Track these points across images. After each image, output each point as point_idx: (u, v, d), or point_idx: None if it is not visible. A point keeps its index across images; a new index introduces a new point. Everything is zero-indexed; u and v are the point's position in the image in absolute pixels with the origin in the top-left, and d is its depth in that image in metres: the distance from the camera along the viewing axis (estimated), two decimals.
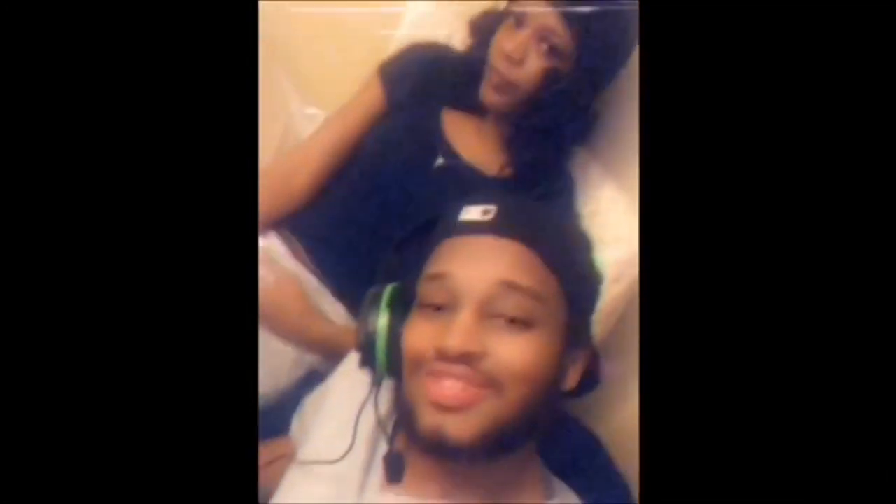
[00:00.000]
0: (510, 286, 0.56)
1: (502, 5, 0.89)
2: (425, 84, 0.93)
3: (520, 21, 0.84)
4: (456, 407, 0.54)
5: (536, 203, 0.81)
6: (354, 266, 0.86)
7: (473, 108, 0.91)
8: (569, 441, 0.73)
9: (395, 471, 0.61)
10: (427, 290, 0.58)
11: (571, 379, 0.61)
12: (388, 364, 0.60)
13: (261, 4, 0.51)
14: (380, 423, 0.63)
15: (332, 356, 0.83)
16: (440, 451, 0.55)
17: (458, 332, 0.54)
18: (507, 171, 0.91)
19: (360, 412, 0.62)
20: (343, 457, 0.61)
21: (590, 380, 0.63)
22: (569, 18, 0.81)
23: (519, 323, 0.56)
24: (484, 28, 0.90)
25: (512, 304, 0.56)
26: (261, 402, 0.84)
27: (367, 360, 0.62)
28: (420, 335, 0.57)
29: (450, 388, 0.54)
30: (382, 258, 0.67)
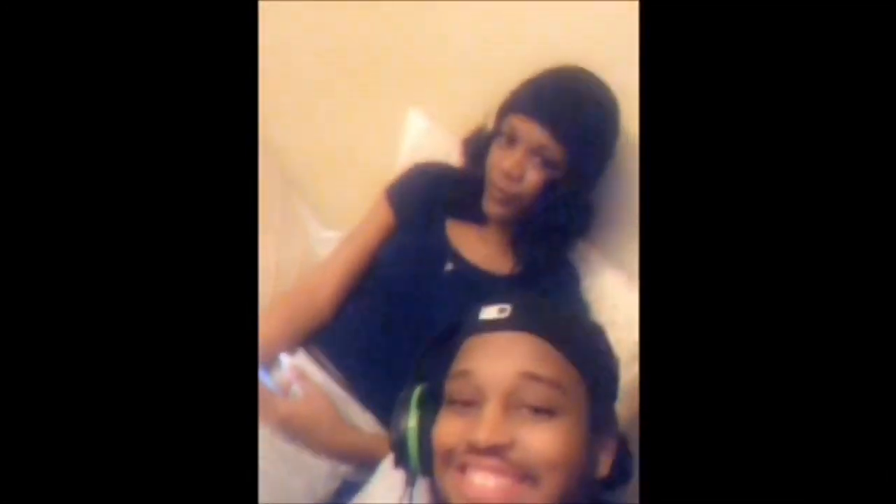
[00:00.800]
0: (531, 377, 0.58)
1: (491, 123, 0.97)
2: (429, 199, 1.01)
3: (511, 139, 0.91)
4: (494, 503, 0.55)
5: (546, 298, 0.85)
6: (379, 374, 0.90)
7: (475, 217, 0.98)
8: None
9: None
10: (454, 388, 0.61)
11: (604, 466, 0.62)
12: (421, 461, 0.63)
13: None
14: None
15: (364, 465, 0.85)
16: None
17: (487, 425, 0.56)
18: (514, 270, 0.96)
19: None
20: None
21: (622, 469, 0.64)
22: (555, 131, 0.88)
23: (543, 412, 0.58)
24: (477, 146, 0.98)
25: (534, 395, 0.58)
26: None
27: (401, 460, 0.65)
28: (450, 430, 0.60)
29: (483, 484, 0.56)
30: (413, 363, 0.70)
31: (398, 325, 0.93)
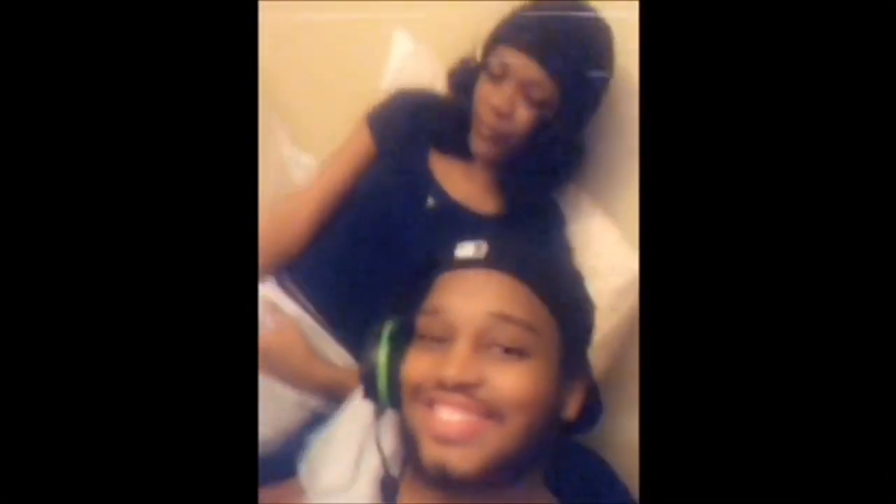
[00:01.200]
0: (503, 317, 0.58)
1: (478, 53, 0.92)
2: (412, 129, 0.96)
3: (501, 73, 0.86)
4: (457, 440, 0.56)
5: (527, 239, 0.84)
6: (353, 308, 0.88)
7: (460, 151, 0.93)
8: (577, 469, 0.74)
9: (388, 495, 0.62)
10: (425, 324, 0.60)
11: (571, 409, 0.62)
12: (390, 395, 0.62)
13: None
14: (380, 451, 0.64)
15: (335, 398, 0.84)
16: (444, 484, 0.56)
17: (455, 362, 0.56)
18: (499, 211, 0.93)
19: (362, 443, 0.65)
20: (349, 485, 0.63)
21: (591, 414, 0.64)
22: (548, 67, 0.84)
23: (514, 353, 0.57)
24: (463, 78, 0.93)
25: (506, 335, 0.57)
26: (264, 446, 0.85)
27: (370, 393, 0.64)
28: (419, 366, 0.59)
29: (448, 421, 0.56)
30: (385, 297, 0.68)
31: (374, 259, 0.90)
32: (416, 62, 1.06)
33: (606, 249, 0.92)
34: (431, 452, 0.56)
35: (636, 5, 0.50)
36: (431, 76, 1.03)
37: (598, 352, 0.71)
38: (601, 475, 0.78)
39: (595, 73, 0.87)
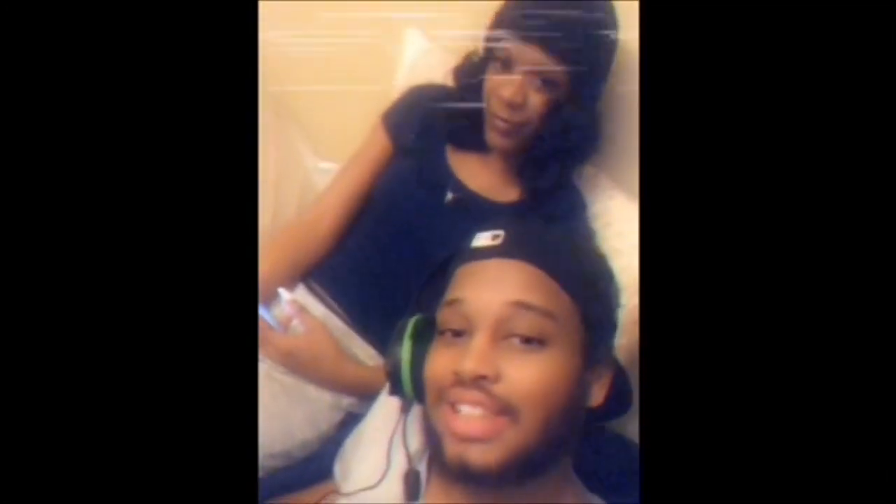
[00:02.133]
0: (521, 306, 0.57)
1: (480, 48, 0.91)
2: (427, 125, 0.95)
3: (506, 63, 0.85)
4: (477, 437, 0.55)
5: (546, 224, 0.82)
6: (379, 306, 0.88)
7: (476, 143, 0.92)
8: (608, 455, 0.72)
9: (413, 489, 0.62)
10: (445, 317, 0.60)
11: (596, 396, 0.60)
12: (414, 390, 0.62)
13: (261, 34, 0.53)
14: (406, 447, 0.64)
15: (367, 397, 0.84)
16: (466, 479, 0.56)
17: (473, 355, 0.55)
18: (519, 198, 0.92)
19: (391, 438, 0.64)
20: (378, 483, 0.63)
21: (620, 399, 0.63)
22: (550, 47, 0.82)
23: (534, 342, 0.56)
24: (470, 74, 0.92)
25: (524, 324, 0.56)
26: (303, 448, 0.87)
27: (395, 389, 0.64)
28: (440, 361, 0.59)
29: (468, 418, 0.55)
30: (408, 294, 0.68)
31: (398, 256, 0.90)
32: (428, 59, 1.06)
33: (628, 228, 0.90)
34: (453, 449, 0.56)
35: (636, 6, 0.50)
36: (445, 73, 1.01)
37: (625, 331, 0.68)
38: (629, 458, 0.76)
39: (600, 35, 0.85)
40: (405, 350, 0.62)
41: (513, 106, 0.85)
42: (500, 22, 0.87)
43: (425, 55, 1.07)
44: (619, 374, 0.63)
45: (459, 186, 0.94)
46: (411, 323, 0.64)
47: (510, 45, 0.84)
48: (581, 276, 0.60)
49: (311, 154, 1.16)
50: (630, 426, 0.80)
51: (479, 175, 0.94)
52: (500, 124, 0.87)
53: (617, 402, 0.63)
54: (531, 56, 0.83)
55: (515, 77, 0.84)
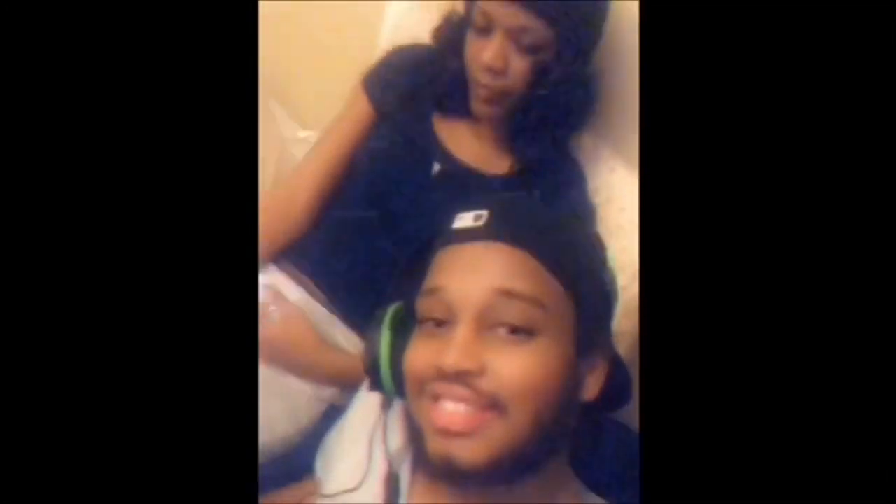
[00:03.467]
0: (507, 294, 0.52)
1: (460, 6, 0.83)
2: (412, 89, 0.88)
3: (486, 26, 0.77)
4: (461, 432, 0.51)
5: (536, 202, 0.77)
6: (362, 289, 0.82)
7: (465, 110, 0.85)
8: (607, 447, 0.67)
9: (393, 494, 0.58)
10: (425, 307, 0.55)
11: (591, 388, 0.56)
12: (395, 386, 0.59)
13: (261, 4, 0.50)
14: (386, 447, 0.61)
15: (349, 387, 0.78)
16: (450, 477, 0.53)
17: (455, 349, 0.51)
18: (512, 170, 0.86)
19: (371, 437, 0.61)
20: (359, 485, 0.60)
21: (618, 391, 0.59)
22: (536, 7, 0.75)
23: (521, 332, 0.52)
24: (449, 37, 0.85)
25: (511, 313, 0.52)
26: (283, 443, 0.81)
27: (375, 384, 0.60)
28: (420, 354, 0.55)
29: (451, 413, 0.52)
30: (390, 277, 0.64)
31: (379, 233, 0.83)
32: (413, 17, 0.99)
33: (629, 204, 0.83)
34: (436, 445, 0.52)
35: (636, 6, 0.49)
36: (429, 32, 0.93)
37: (624, 318, 0.63)
38: (630, 449, 0.72)
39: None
40: (383, 342, 0.58)
41: (493, 70, 0.78)
42: None
43: (409, 12, 1.00)
44: (617, 364, 0.59)
45: (447, 157, 0.87)
46: (389, 312, 0.60)
47: (490, 5, 0.77)
48: (572, 259, 0.56)
49: (288, 121, 1.09)
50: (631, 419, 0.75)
51: (468, 145, 0.87)
52: (482, 92, 0.80)
53: (615, 394, 0.59)
54: (513, 18, 0.76)
55: (495, 40, 0.77)
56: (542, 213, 0.61)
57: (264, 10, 0.54)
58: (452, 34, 0.84)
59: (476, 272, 0.54)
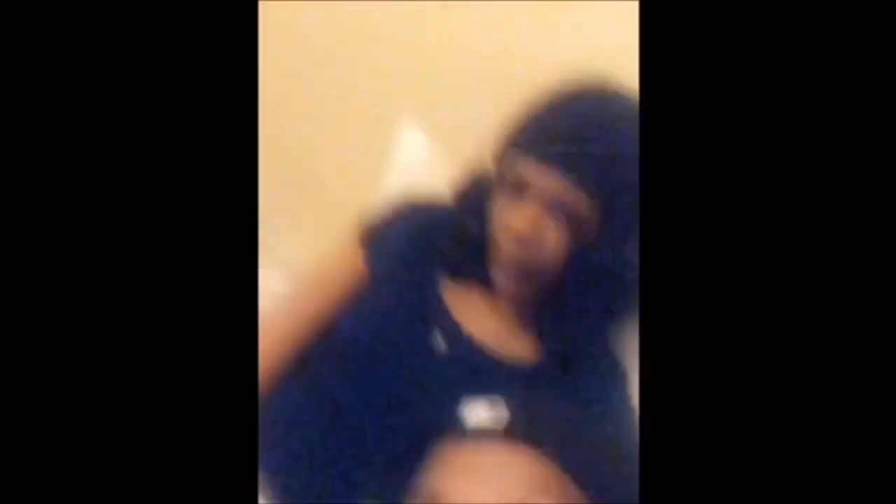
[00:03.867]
0: None
1: (490, 163, 0.75)
2: (418, 251, 0.78)
3: (519, 188, 0.69)
4: None
5: (566, 399, 0.68)
6: (330, 488, 0.69)
7: (480, 277, 0.75)
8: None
9: None
10: None
11: None
12: None
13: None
14: None
15: None
16: None
17: None
18: (536, 357, 0.74)
19: None
20: None
21: None
22: (579, 175, 0.67)
23: None
24: (474, 197, 0.76)
25: None
26: None
27: None
28: None
29: None
30: (368, 471, 0.59)
31: (360, 419, 0.70)
32: (428, 167, 0.92)
33: None
34: None
35: (636, 5, 0.49)
36: (445, 187, 0.85)
37: None
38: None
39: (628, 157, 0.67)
40: None
41: (523, 241, 0.68)
42: (515, 138, 0.72)
43: (425, 161, 0.93)
44: None
45: (454, 332, 0.74)
46: None
47: (527, 168, 0.68)
48: (603, 474, 0.52)
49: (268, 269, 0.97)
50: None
51: (483, 320, 0.76)
52: (508, 262, 0.70)
53: None
54: (551, 183, 0.67)
55: (529, 205, 0.68)
56: (574, 415, 0.58)
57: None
58: (477, 194, 0.75)
59: (488, 483, 0.49)
